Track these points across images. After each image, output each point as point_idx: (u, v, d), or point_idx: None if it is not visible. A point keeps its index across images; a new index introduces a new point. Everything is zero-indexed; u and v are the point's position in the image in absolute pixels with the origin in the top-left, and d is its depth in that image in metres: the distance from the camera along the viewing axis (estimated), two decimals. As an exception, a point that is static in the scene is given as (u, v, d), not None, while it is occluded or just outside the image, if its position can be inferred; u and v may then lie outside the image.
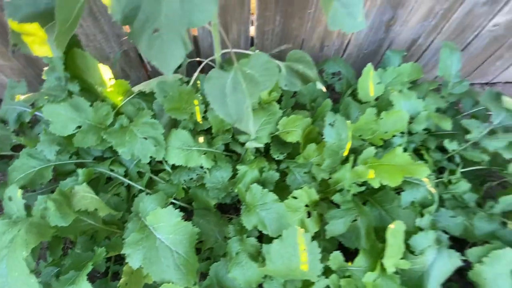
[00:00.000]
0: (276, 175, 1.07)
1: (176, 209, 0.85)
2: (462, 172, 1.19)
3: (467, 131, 1.15)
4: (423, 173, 0.89)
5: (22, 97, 1.02)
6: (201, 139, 1.03)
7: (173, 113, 0.98)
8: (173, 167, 1.09)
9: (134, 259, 0.79)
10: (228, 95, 0.73)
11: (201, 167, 1.05)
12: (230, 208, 1.31)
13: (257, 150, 1.20)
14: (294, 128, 1.07)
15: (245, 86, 0.74)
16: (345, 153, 1.02)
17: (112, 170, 1.08)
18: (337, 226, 0.93)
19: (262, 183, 1.08)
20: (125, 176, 1.08)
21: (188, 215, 1.12)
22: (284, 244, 0.80)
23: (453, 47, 1.30)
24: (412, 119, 1.15)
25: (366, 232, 0.93)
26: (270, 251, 0.80)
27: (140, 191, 1.08)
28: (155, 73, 1.52)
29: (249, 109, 0.74)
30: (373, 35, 1.47)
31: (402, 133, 1.15)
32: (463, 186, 1.14)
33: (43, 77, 1.04)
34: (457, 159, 1.20)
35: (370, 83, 1.29)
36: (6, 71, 1.39)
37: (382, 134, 1.10)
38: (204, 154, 1.01)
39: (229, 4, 1.21)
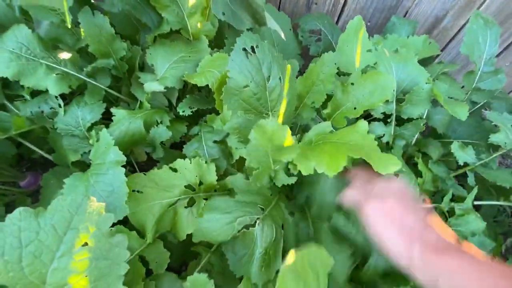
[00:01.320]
0: (167, 133, 0.68)
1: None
2: (475, 205, 0.74)
3: (493, 131, 0.70)
4: (389, 167, 0.45)
5: None
6: (64, 54, 0.67)
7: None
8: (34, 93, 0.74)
9: None
10: None
11: (56, 97, 0.69)
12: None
13: (170, 103, 0.82)
14: (214, 72, 0.68)
15: None
16: (279, 115, 0.61)
17: None
18: (214, 224, 0.51)
19: (149, 142, 0.70)
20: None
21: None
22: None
23: (489, 20, 0.88)
24: (404, 97, 0.72)
25: (267, 253, 0.51)
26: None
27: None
28: None
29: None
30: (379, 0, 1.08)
31: (385, 115, 0.73)
32: (474, 223, 0.68)
33: None
34: (471, 179, 0.74)
35: (357, 47, 0.88)
36: None
37: (349, 110, 0.68)
38: (58, 74, 0.65)
39: None
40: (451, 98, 0.81)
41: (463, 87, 0.89)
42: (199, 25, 0.81)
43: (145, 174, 0.56)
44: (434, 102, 0.80)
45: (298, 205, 0.68)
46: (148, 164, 0.93)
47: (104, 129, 0.56)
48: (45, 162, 0.95)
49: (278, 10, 1.13)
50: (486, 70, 0.88)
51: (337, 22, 1.17)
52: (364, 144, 0.50)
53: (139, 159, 0.91)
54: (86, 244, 0.38)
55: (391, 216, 0.44)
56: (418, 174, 0.77)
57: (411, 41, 0.92)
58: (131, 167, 0.90)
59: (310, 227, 0.63)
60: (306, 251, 0.44)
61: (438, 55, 1.22)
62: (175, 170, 0.59)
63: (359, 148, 0.49)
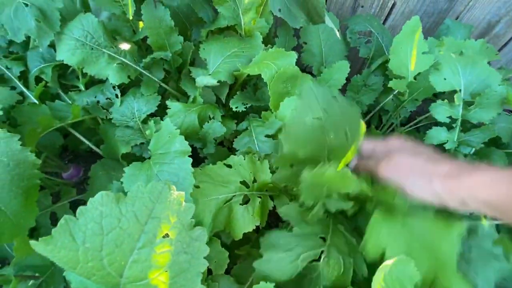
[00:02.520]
0: (221, 129, 0.66)
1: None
2: None
3: None
4: None
5: None
6: (124, 45, 0.67)
7: (94, -9, 0.64)
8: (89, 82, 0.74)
9: None
10: None
11: (114, 87, 0.68)
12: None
13: (218, 99, 0.81)
14: (270, 64, 0.66)
15: None
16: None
17: (8, 68, 0.75)
18: (276, 265, 0.47)
19: (201, 137, 0.68)
20: (20, 79, 0.75)
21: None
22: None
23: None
24: (473, 100, 0.67)
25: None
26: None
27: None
28: None
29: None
30: (430, 2, 1.04)
31: (451, 119, 0.68)
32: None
33: None
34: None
35: (413, 49, 0.84)
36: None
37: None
38: (118, 64, 0.64)
39: None
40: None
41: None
42: (252, 21, 0.79)
43: (200, 169, 0.54)
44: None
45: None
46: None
47: (167, 119, 0.54)
48: (88, 155, 0.96)
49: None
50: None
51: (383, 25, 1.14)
52: (447, 262, 0.44)
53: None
54: (167, 235, 0.36)
55: (403, 168, 0.47)
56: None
57: (468, 44, 0.88)
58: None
59: None
60: (394, 264, 0.39)
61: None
62: (229, 166, 0.57)
63: (440, 269, 0.44)
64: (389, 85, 0.84)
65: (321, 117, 0.47)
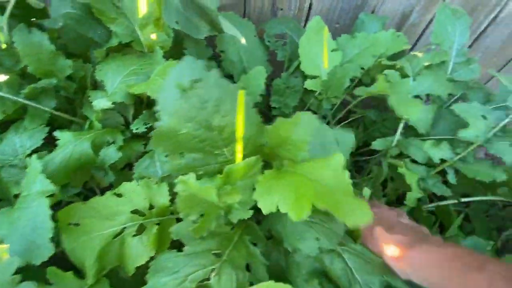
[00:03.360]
0: (116, 155, 0.61)
1: None
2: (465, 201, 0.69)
3: (464, 125, 0.66)
4: (358, 219, 0.38)
5: None
6: (2, 76, 0.62)
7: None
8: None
9: None
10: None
11: (-8, 124, 0.62)
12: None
13: (127, 121, 0.77)
14: (159, 80, 0.63)
15: None
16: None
17: None
18: None
19: (99, 166, 0.64)
20: None
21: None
22: None
23: (457, 10, 0.86)
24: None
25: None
26: None
27: None
28: None
29: None
30: (344, 0, 1.06)
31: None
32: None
33: None
34: (451, 176, 0.69)
35: (324, 49, 0.85)
36: None
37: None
38: (-11, 97, 0.59)
39: None
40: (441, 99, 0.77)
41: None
42: (153, 36, 0.76)
43: (83, 204, 0.50)
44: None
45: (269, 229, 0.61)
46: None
47: (34, 155, 0.49)
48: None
49: (244, 17, 1.10)
50: (458, 60, 0.85)
51: (304, 26, 1.14)
52: (336, 187, 0.42)
53: (101, 185, 0.84)
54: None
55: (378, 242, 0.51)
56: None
57: (380, 36, 0.90)
58: (93, 194, 0.83)
59: (283, 258, 0.57)
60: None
61: (410, 50, 1.20)
62: (120, 195, 0.53)
63: (328, 194, 0.41)
64: (304, 86, 0.84)
65: (196, 87, 0.44)
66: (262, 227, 0.59)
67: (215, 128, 0.46)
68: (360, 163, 1.17)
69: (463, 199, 0.77)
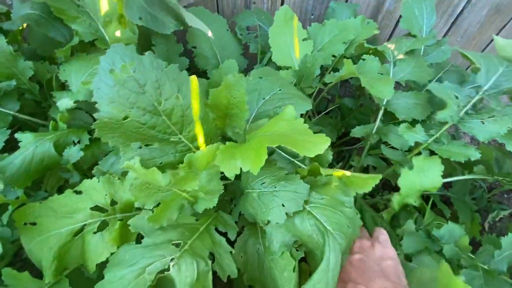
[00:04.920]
0: (78, 154, 0.60)
1: None
2: (447, 182, 0.68)
3: (439, 107, 0.65)
4: (316, 148, 0.39)
5: None
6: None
7: None
8: None
9: None
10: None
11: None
12: None
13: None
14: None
15: None
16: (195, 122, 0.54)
17: None
18: (119, 285, 0.42)
19: (63, 166, 0.62)
20: None
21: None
22: None
23: (424, -8, 0.85)
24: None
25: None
26: None
27: None
28: None
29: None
30: (317, -10, 1.05)
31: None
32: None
33: None
34: (424, 158, 0.68)
35: (294, 38, 0.84)
36: None
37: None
38: None
39: None
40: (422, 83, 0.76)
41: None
42: (118, 33, 0.75)
43: (40, 203, 0.48)
44: (396, 86, 0.75)
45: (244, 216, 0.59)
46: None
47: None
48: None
49: (218, 12, 1.10)
50: (428, 43, 0.84)
51: (279, 19, 1.13)
52: (291, 131, 0.44)
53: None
54: None
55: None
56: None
57: (350, 23, 0.89)
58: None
59: (261, 242, 0.55)
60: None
61: (389, 37, 1.19)
62: (80, 192, 0.51)
63: (284, 136, 0.42)
64: (276, 77, 0.83)
65: (130, 71, 0.42)
66: (234, 215, 0.58)
67: (162, 112, 0.45)
68: (343, 153, 1.16)
69: (445, 180, 0.76)
